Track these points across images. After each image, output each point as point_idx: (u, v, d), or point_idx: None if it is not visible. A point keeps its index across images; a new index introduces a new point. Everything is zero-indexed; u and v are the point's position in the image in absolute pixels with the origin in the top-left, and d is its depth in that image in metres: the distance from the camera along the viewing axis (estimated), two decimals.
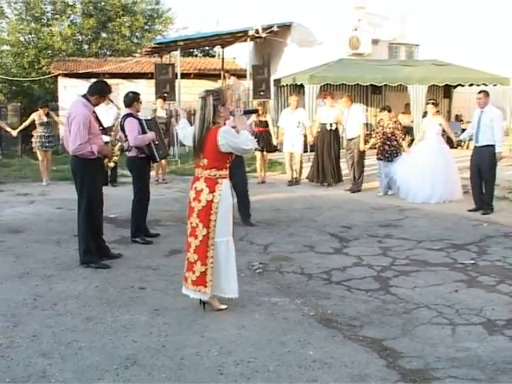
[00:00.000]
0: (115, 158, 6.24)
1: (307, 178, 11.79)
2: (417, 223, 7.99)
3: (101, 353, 3.82)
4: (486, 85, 15.78)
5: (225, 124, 4.60)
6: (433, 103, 10.24)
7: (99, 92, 5.93)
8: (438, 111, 10.50)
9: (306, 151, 13.85)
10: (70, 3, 26.70)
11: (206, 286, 4.48)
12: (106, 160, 6.04)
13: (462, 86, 17.17)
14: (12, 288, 5.18)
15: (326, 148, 11.41)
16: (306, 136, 11.81)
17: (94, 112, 5.95)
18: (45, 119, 11.63)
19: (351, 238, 7.11)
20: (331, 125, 11.36)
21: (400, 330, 4.22)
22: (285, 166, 12.27)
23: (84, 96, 5.88)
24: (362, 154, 10.74)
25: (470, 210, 8.90)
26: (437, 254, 6.38)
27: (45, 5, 26.62)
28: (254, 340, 4.04)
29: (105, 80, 6.23)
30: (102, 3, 26.52)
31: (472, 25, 17.53)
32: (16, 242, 6.90)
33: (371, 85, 16.33)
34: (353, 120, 10.77)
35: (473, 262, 6.04)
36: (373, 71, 15.99)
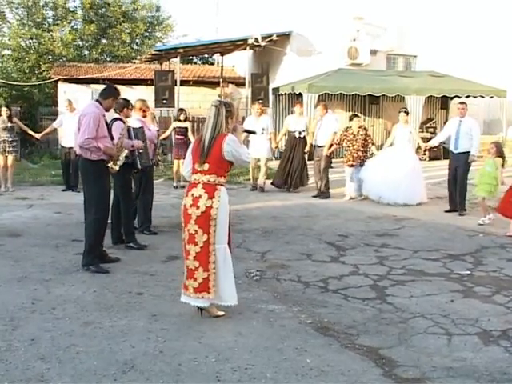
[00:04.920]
0: (119, 163, 6.27)
1: (272, 183, 11.84)
2: (413, 233, 8.03)
3: (99, 357, 3.84)
4: (483, 97, 15.92)
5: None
6: (405, 112, 10.71)
7: (111, 94, 6.12)
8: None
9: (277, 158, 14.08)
10: (71, 9, 26.84)
11: (209, 292, 4.48)
12: (110, 163, 6.08)
13: (459, 97, 17.26)
14: (10, 292, 5.19)
15: (293, 154, 11.52)
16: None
17: (104, 116, 6.06)
18: (8, 124, 11.57)
19: (348, 247, 7.14)
20: (300, 133, 11.46)
21: (396, 339, 4.25)
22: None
23: (97, 101, 6.10)
24: (328, 161, 10.87)
25: (446, 211, 9.54)
26: (433, 263, 6.41)
27: (46, 10, 26.74)
28: (251, 347, 4.06)
29: (114, 85, 6.37)
30: (103, 9, 26.66)
31: (469, 37, 17.70)
32: (15, 245, 6.91)
33: (369, 95, 16.44)
34: (325, 128, 10.85)
35: (468, 272, 6.07)
36: (371, 81, 16.11)
